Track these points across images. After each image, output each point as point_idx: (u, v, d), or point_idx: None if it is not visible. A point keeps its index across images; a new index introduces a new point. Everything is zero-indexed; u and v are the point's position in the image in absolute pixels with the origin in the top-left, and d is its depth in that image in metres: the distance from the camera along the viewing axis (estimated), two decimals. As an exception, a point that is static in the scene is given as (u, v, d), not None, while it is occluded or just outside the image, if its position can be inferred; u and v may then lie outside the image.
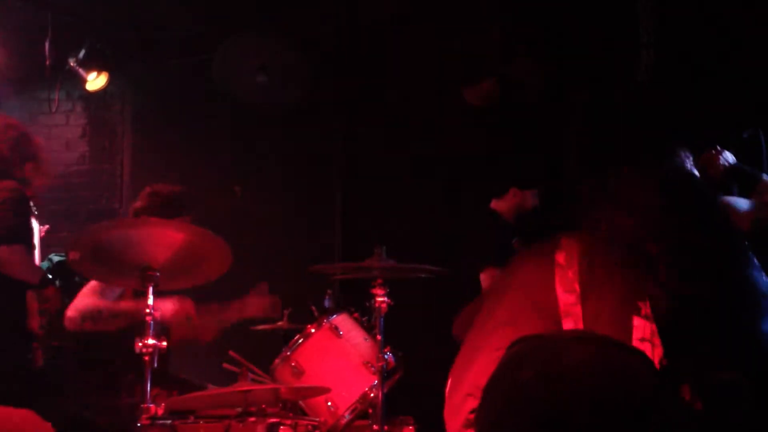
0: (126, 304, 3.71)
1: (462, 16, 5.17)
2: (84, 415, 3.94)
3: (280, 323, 4.50)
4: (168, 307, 3.67)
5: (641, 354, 1.44)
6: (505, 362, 1.44)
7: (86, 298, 3.73)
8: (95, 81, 5.58)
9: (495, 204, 4.36)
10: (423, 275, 3.59)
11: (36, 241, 4.47)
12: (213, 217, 3.97)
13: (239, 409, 2.94)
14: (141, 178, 5.44)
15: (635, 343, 2.04)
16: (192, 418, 3.08)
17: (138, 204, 4.02)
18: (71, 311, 3.75)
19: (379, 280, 3.38)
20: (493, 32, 5.20)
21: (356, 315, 3.74)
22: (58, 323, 3.99)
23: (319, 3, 5.31)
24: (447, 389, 2.74)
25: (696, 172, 3.58)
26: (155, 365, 2.90)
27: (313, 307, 4.53)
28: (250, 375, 3.31)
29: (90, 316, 3.70)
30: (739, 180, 3.61)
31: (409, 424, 3.56)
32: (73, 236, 2.86)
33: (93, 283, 3.76)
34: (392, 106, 5.51)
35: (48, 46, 5.41)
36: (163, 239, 2.92)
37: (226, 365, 3.62)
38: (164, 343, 2.92)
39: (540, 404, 1.30)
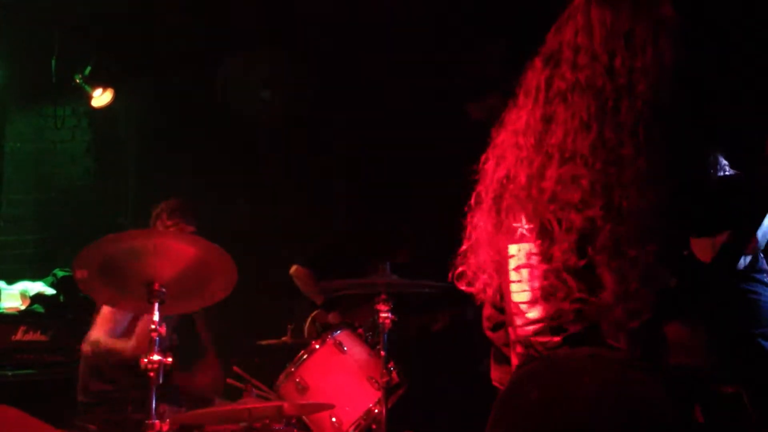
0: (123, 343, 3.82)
1: (467, 30, 5.19)
2: (90, 429, 3.94)
3: (284, 338, 4.51)
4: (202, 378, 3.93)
5: (655, 373, 1.41)
6: (515, 381, 1.43)
7: (95, 331, 3.88)
8: (101, 97, 5.60)
9: None
10: (427, 290, 3.60)
11: None
12: (217, 232, 3.98)
13: (244, 425, 2.95)
14: (147, 194, 5.45)
15: None
16: (197, 434, 3.09)
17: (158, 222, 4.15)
18: (84, 344, 3.92)
19: (383, 296, 3.39)
20: (498, 47, 5.22)
21: (360, 330, 3.75)
22: None
23: (322, 17, 5.34)
24: None
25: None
26: (161, 381, 2.90)
27: (317, 323, 4.54)
28: (255, 391, 3.32)
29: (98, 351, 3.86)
30: None
31: (413, 440, 3.57)
32: (80, 253, 2.84)
33: (104, 313, 3.86)
34: (396, 120, 5.53)
35: (54, 63, 5.44)
36: (171, 252, 2.89)
37: (230, 380, 3.63)
38: (170, 359, 2.92)
39: (551, 425, 1.29)
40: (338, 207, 5.76)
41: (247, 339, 4.74)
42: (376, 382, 3.39)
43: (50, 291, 5.08)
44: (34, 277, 5.26)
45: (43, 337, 4.85)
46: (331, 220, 5.60)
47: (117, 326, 3.90)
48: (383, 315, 3.38)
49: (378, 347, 3.41)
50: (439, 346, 5.20)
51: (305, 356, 3.59)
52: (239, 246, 3.79)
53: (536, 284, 1.69)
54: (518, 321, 1.70)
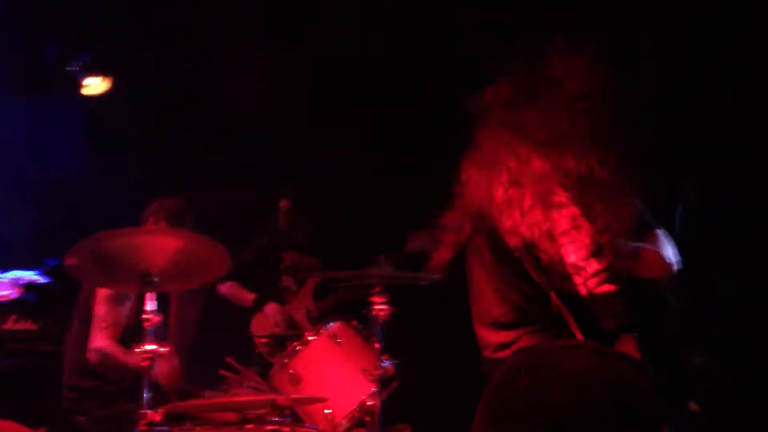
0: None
1: (458, 27, 5.18)
2: (80, 421, 3.92)
3: (277, 330, 4.50)
4: (161, 368, 3.67)
5: (639, 363, 1.45)
6: (503, 373, 1.44)
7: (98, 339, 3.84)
8: (97, 86, 5.57)
9: None
10: (422, 283, 3.58)
11: None
12: (215, 223, 3.97)
13: (237, 417, 2.93)
14: (143, 184, 5.43)
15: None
16: (189, 425, 3.06)
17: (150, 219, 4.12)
18: (89, 353, 3.87)
19: (378, 288, 3.37)
20: (490, 43, 5.21)
21: (354, 323, 3.74)
22: None
23: (319, 9, 5.32)
24: None
25: None
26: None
27: (311, 315, 4.53)
28: (248, 382, 3.30)
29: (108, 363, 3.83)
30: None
31: (407, 433, 3.56)
32: (74, 246, 2.84)
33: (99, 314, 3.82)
34: (392, 111, 5.51)
35: (50, 51, 5.40)
36: (163, 245, 2.90)
37: (223, 372, 3.61)
38: (163, 349, 2.90)
39: (540, 410, 1.31)
40: (335, 201, 5.74)
41: (240, 329, 4.72)
42: (371, 374, 3.38)
43: (43, 280, 5.05)
44: (27, 267, 5.22)
45: (34, 327, 4.84)
46: (328, 213, 5.58)
47: (117, 328, 3.84)
48: (378, 307, 3.36)
49: (372, 339, 3.39)
50: (434, 339, 5.20)
51: (299, 348, 3.57)
52: (236, 237, 3.79)
53: None
54: None
